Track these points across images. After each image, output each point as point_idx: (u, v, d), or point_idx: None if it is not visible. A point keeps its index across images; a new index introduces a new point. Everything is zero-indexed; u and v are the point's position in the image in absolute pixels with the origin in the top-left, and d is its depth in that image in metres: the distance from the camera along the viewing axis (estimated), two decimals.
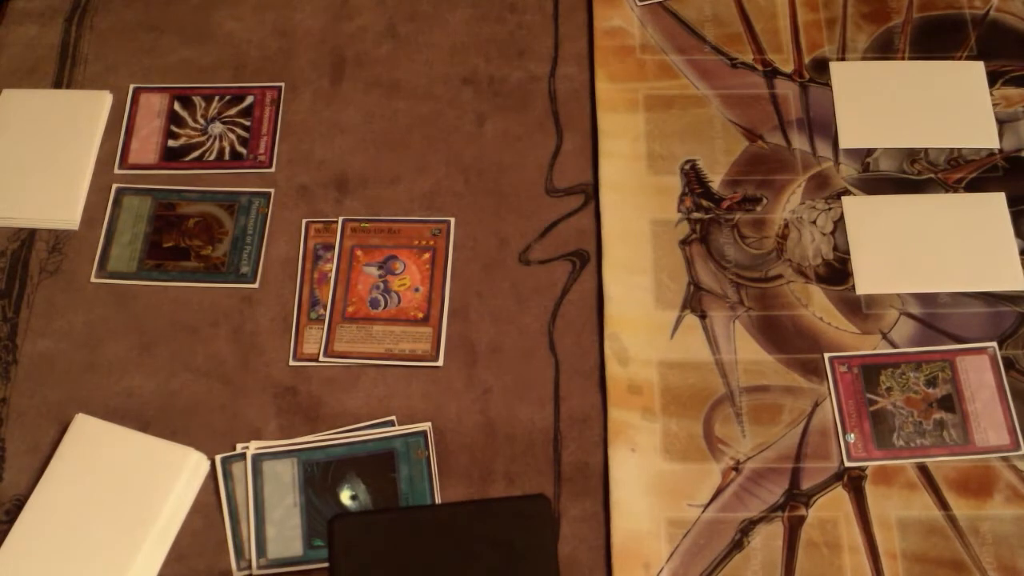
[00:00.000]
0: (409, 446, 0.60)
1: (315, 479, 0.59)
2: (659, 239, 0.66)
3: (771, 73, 0.72)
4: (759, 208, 0.67)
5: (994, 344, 0.62)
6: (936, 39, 0.73)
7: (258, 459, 0.60)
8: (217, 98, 0.72)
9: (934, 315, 0.64)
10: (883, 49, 0.73)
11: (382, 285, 0.65)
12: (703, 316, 0.64)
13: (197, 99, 0.72)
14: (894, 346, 0.63)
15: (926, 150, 0.69)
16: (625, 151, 0.69)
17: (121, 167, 0.69)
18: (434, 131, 0.71)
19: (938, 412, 0.61)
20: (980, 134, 0.69)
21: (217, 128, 0.71)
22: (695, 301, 0.64)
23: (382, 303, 0.65)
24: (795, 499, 0.59)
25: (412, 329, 0.64)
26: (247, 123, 0.71)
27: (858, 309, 0.64)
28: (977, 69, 0.71)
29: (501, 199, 0.68)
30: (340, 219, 0.67)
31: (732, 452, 0.60)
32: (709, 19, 0.74)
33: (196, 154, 0.70)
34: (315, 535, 0.58)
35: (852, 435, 0.60)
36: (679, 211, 0.67)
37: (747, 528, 0.58)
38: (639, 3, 0.74)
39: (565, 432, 0.61)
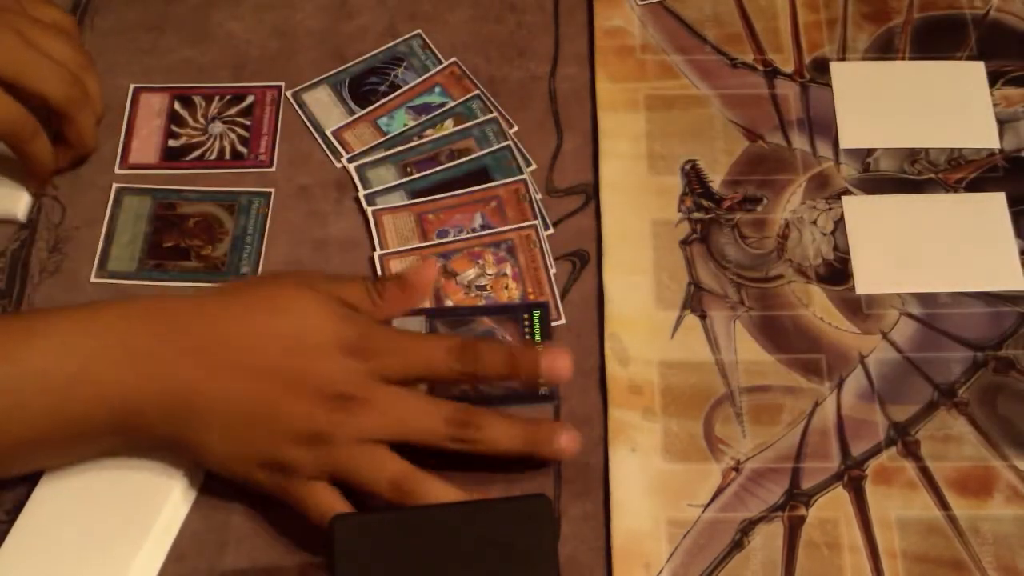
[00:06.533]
0: None
1: None
2: (659, 239, 0.66)
3: (771, 73, 0.72)
4: (759, 208, 0.67)
5: None
6: (936, 39, 0.73)
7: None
8: (217, 98, 0.72)
9: (934, 315, 0.64)
10: (883, 49, 0.73)
11: None
12: (703, 316, 0.64)
13: (197, 99, 0.72)
14: (895, 346, 0.63)
15: (926, 150, 0.69)
16: (625, 151, 0.69)
17: (121, 167, 0.69)
18: None
19: None
20: (980, 134, 0.69)
21: (217, 128, 0.71)
22: (695, 301, 0.64)
23: None
24: (795, 499, 0.59)
25: None
26: (247, 123, 0.71)
27: (858, 309, 0.64)
28: (977, 69, 0.71)
29: None
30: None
31: (732, 452, 0.60)
32: (709, 19, 0.74)
33: (196, 154, 0.70)
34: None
35: None
36: (679, 211, 0.67)
37: (747, 528, 0.58)
38: (639, 3, 0.74)
39: None
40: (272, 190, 0.68)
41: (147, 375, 0.54)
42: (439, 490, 0.54)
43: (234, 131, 0.71)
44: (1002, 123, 0.70)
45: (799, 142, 0.69)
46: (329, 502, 0.55)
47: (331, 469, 0.55)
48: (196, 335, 0.55)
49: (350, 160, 0.69)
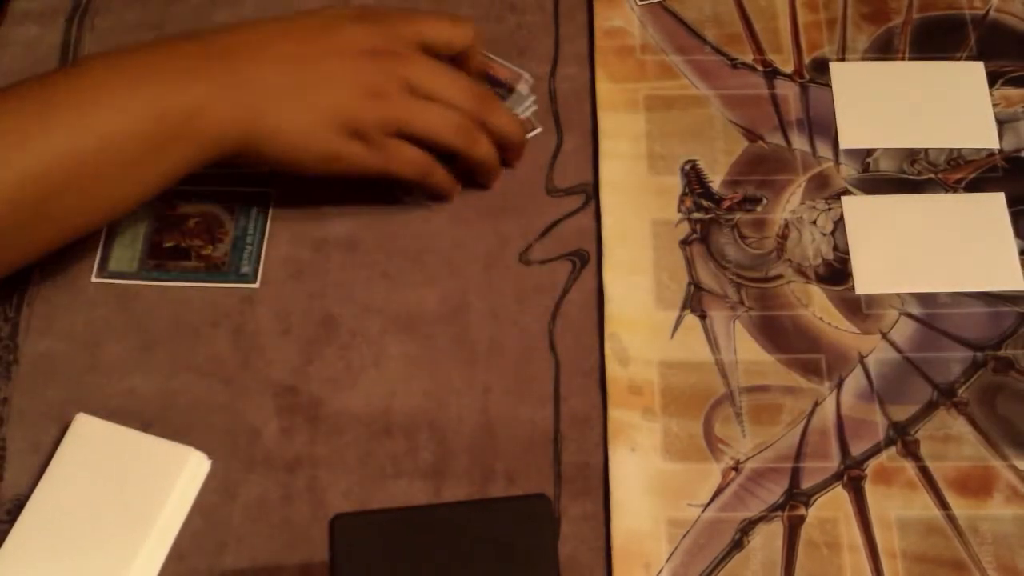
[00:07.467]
0: None
1: None
2: (659, 239, 0.66)
3: (771, 73, 0.72)
4: (759, 208, 0.67)
5: None
6: (936, 39, 0.73)
7: None
8: None
9: (934, 315, 0.64)
10: (883, 49, 0.73)
11: None
12: (703, 316, 0.64)
13: None
14: (895, 346, 0.63)
15: (926, 150, 0.69)
16: (625, 151, 0.69)
17: None
18: None
19: None
20: (980, 134, 0.69)
21: None
22: (695, 301, 0.64)
23: None
24: (795, 499, 0.59)
25: None
26: None
27: (858, 309, 0.64)
28: (977, 69, 0.71)
29: (501, 199, 0.68)
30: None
31: (732, 452, 0.60)
32: (709, 19, 0.74)
33: None
34: None
35: None
36: (679, 211, 0.67)
37: (747, 528, 0.58)
38: (639, 3, 0.74)
39: (565, 432, 0.61)
40: (272, 190, 0.68)
41: (198, 85, 0.59)
42: (486, 145, 0.66)
43: None
44: (1001, 123, 0.70)
45: (799, 142, 0.69)
46: (411, 154, 0.63)
47: (396, 122, 0.62)
48: (231, 40, 0.61)
49: None
